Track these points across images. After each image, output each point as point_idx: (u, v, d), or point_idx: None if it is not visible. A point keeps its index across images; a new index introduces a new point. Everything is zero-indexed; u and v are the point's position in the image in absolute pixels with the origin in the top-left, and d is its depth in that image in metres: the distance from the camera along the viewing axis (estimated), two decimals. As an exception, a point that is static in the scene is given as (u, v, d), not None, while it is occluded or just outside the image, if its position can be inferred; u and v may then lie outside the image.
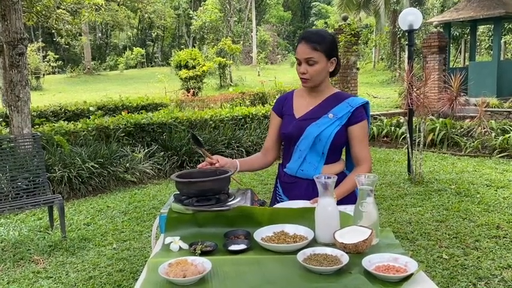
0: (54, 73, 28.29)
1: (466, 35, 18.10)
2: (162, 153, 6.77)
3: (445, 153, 7.59)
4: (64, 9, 9.99)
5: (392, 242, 1.51)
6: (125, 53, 36.77)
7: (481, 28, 19.22)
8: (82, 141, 6.26)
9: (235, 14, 31.50)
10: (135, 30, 43.44)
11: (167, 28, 40.70)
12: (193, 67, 17.99)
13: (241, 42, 31.32)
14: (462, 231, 4.04)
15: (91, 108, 9.82)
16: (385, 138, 8.91)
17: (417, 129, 6.60)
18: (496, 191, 5.28)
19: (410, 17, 6.00)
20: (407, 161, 6.21)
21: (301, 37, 1.92)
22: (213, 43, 27.01)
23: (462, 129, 8.11)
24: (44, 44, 30.28)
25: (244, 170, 2.05)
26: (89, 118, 7.37)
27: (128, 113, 8.08)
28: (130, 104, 10.75)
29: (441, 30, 12.49)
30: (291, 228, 1.57)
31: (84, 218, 4.81)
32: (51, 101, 12.49)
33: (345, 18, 10.13)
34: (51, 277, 3.41)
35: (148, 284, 1.27)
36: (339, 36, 9.65)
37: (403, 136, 8.28)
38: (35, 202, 4.22)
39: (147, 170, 6.37)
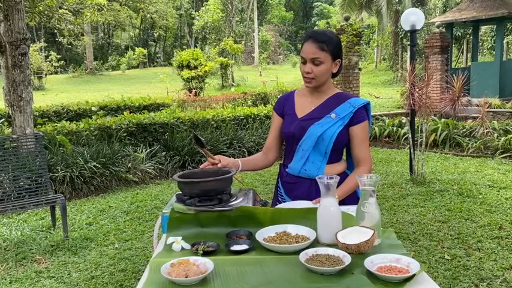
0: (56, 73, 28.33)
1: (468, 35, 18.07)
2: (164, 153, 6.78)
3: (447, 154, 7.58)
4: (66, 9, 10.01)
5: (394, 242, 1.51)
6: (127, 53, 36.81)
7: (484, 28, 19.19)
8: (84, 141, 6.27)
9: (237, 14, 31.52)
10: (137, 30, 43.50)
11: (169, 28, 40.74)
12: (195, 67, 18.00)
13: (243, 42, 31.32)
14: (464, 231, 4.03)
15: (93, 108, 9.83)
16: (387, 139, 8.90)
17: (419, 129, 6.58)
18: (499, 191, 5.26)
19: (412, 17, 5.99)
20: (409, 161, 6.21)
21: (308, 36, 1.91)
22: (215, 43, 27.03)
23: (464, 130, 8.09)
24: (46, 44, 30.37)
25: (246, 170, 2.05)
26: (91, 118, 7.38)
27: (130, 113, 8.09)
28: (133, 104, 10.76)
29: (443, 30, 12.47)
30: (293, 229, 1.57)
31: (86, 218, 4.82)
32: (54, 101, 12.52)
33: (346, 19, 10.11)
34: (53, 277, 3.42)
35: (151, 284, 1.28)
36: (341, 36, 9.64)
37: (405, 136, 8.27)
38: (37, 202, 4.23)
39: (149, 170, 6.38)
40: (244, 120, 8.16)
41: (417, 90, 5.88)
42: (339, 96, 2.00)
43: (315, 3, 45.37)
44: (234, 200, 1.77)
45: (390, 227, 4.14)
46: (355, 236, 1.43)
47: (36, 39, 30.02)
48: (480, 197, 5.07)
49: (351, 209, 1.66)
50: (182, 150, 6.84)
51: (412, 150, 5.93)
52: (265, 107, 9.25)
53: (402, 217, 4.50)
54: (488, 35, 20.21)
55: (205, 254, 1.43)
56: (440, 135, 7.98)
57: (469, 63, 15.78)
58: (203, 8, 30.51)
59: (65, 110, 9.71)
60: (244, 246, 1.47)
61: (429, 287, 1.23)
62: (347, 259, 1.32)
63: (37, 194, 4.44)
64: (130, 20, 35.92)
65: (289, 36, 43.69)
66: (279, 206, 1.88)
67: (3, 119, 7.52)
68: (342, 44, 9.62)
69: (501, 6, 11.68)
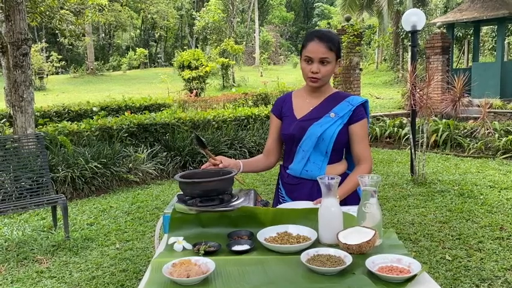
0: (57, 73, 28.37)
1: (469, 36, 18.05)
2: (165, 153, 6.78)
3: (448, 154, 7.57)
4: (67, 9, 10.02)
5: (395, 243, 1.51)
6: (127, 53, 36.84)
7: (485, 29, 19.17)
8: (85, 142, 6.28)
9: (238, 14, 31.51)
10: (138, 30, 43.54)
11: (170, 29, 40.76)
12: (196, 68, 18.01)
13: (244, 42, 31.33)
14: (465, 232, 4.03)
15: (94, 109, 9.84)
16: (388, 139, 8.90)
17: (420, 130, 6.58)
18: (500, 192, 5.26)
19: (413, 18, 5.99)
20: (410, 162, 6.20)
21: (313, 35, 1.90)
22: (215, 44, 27.01)
23: (465, 130, 8.09)
24: (47, 45, 30.38)
25: (247, 171, 2.05)
26: (92, 118, 7.39)
27: (131, 114, 8.09)
28: (134, 104, 10.77)
29: (444, 31, 12.46)
30: (294, 229, 1.57)
31: (87, 218, 4.82)
32: (55, 101, 12.53)
33: (347, 19, 10.12)
34: (55, 277, 3.42)
35: (152, 284, 1.28)
36: (342, 37, 9.65)
37: (406, 137, 8.27)
38: (39, 202, 4.24)
39: (150, 170, 6.39)
40: (245, 120, 8.17)
41: (418, 90, 5.88)
42: (337, 96, 2.01)
43: (316, 4, 45.38)
44: (235, 201, 1.78)
45: (391, 227, 4.13)
46: (356, 236, 1.43)
47: (37, 40, 30.06)
48: (481, 197, 5.06)
49: (352, 210, 1.66)
50: (183, 151, 6.85)
51: (413, 150, 5.93)
52: (266, 107, 9.26)
53: (403, 217, 4.49)
54: (489, 35, 20.19)
55: (207, 254, 1.44)
56: (441, 135, 7.97)
57: (470, 64, 15.77)
58: (204, 8, 30.49)
59: (66, 110, 9.72)
60: (246, 247, 1.48)
61: (430, 287, 1.23)
62: (348, 259, 1.32)
63: (38, 194, 4.45)
64: (131, 20, 35.94)
65: (290, 36, 43.69)
66: (280, 206, 1.88)
67: (5, 119, 7.53)
68: (343, 44, 9.69)
69: (502, 6, 11.67)
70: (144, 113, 7.64)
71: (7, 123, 7.28)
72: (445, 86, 11.02)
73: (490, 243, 3.76)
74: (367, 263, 1.30)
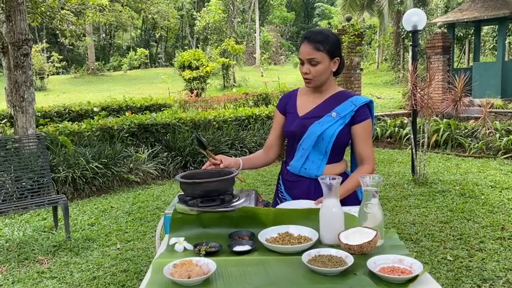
0: (58, 74, 28.37)
1: (470, 36, 18.03)
2: (166, 153, 6.79)
3: (449, 154, 7.57)
4: (68, 10, 10.03)
5: (397, 243, 1.51)
6: (128, 53, 36.84)
7: (485, 29, 19.15)
8: (86, 142, 6.28)
9: (238, 14, 31.51)
10: (139, 30, 43.54)
11: (171, 29, 40.76)
12: (197, 68, 18.00)
13: (245, 42, 31.32)
14: (466, 232, 4.02)
15: (95, 109, 9.84)
16: (389, 139, 8.89)
17: (421, 130, 6.58)
18: (501, 192, 5.26)
19: (414, 18, 5.98)
20: (411, 162, 6.20)
21: (304, 37, 1.92)
22: (216, 44, 27.01)
23: (466, 130, 8.08)
24: (48, 45, 30.39)
25: (247, 168, 2.08)
26: (93, 119, 7.39)
27: (132, 114, 8.09)
28: (134, 104, 10.76)
29: (445, 30, 12.45)
30: (295, 229, 1.57)
31: (88, 218, 4.82)
32: (56, 102, 12.54)
33: (348, 19, 10.11)
34: (56, 277, 3.42)
35: (153, 285, 1.28)
36: (343, 36, 9.64)
37: (407, 137, 8.26)
38: (40, 202, 4.24)
39: (151, 171, 6.39)
40: (246, 120, 8.17)
41: (419, 90, 5.87)
42: (341, 95, 2.00)
43: (317, 4, 45.36)
44: (236, 201, 1.77)
45: (392, 227, 4.13)
46: (357, 236, 1.43)
47: (38, 40, 30.08)
48: (482, 197, 5.06)
49: (353, 210, 1.65)
50: (184, 151, 6.85)
51: (414, 150, 5.92)
52: (267, 107, 9.25)
53: (404, 218, 4.49)
54: (490, 35, 20.16)
55: (208, 254, 1.44)
56: (442, 135, 7.97)
57: (471, 64, 15.75)
58: (204, 8, 30.51)
59: (67, 110, 9.72)
60: (247, 247, 1.48)
61: (432, 287, 1.23)
62: (350, 260, 1.32)
63: (39, 195, 4.45)
64: (132, 20, 35.89)
65: (291, 36, 43.69)
66: (281, 206, 1.88)
67: (6, 120, 7.54)
68: (344, 44, 9.67)
69: (503, 6, 11.66)
70: (145, 113, 7.64)
71: (8, 124, 7.29)
72: (446, 86, 11.01)
73: (492, 243, 3.75)
74: (368, 263, 1.30)
